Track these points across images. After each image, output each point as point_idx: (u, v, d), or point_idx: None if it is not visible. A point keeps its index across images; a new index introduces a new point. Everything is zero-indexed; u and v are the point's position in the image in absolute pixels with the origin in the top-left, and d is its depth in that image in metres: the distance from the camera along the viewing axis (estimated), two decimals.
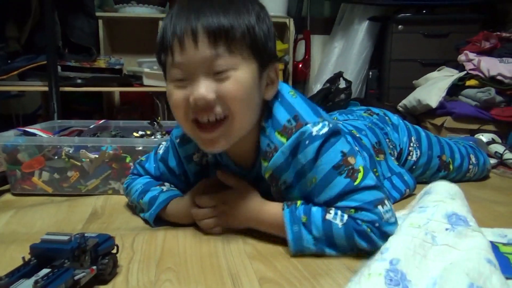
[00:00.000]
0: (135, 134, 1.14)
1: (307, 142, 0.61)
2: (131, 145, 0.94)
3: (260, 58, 0.61)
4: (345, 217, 0.59)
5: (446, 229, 0.52)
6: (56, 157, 0.93)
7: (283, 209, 0.63)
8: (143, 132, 1.14)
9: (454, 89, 1.68)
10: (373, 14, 2.26)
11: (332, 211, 0.60)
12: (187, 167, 0.76)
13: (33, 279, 0.45)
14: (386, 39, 2.19)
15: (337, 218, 0.59)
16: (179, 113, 0.61)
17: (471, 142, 1.17)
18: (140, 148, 0.94)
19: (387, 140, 0.95)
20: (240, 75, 0.58)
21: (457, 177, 1.06)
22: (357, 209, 0.59)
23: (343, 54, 2.35)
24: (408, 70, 2.08)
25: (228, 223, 0.69)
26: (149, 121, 1.20)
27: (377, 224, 0.58)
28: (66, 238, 0.50)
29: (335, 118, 1.01)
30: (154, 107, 2.10)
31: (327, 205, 0.62)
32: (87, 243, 0.51)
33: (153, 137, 1.11)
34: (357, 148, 0.80)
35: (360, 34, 2.29)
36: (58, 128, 1.15)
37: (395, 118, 1.04)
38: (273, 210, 0.65)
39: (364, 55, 2.30)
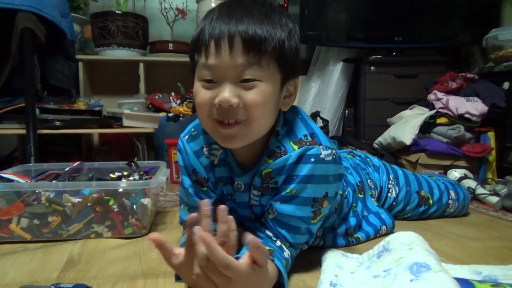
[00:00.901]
0: (112, 175, 1.13)
1: (312, 159, 0.66)
2: (114, 187, 0.94)
3: (285, 72, 0.65)
4: (288, 252, 0.68)
5: (411, 280, 0.54)
6: (35, 202, 0.91)
7: (272, 260, 0.62)
8: (120, 173, 1.14)
9: (426, 127, 1.76)
10: (347, 56, 2.37)
11: (280, 245, 0.68)
12: (196, 164, 0.76)
13: None
14: (360, 79, 2.28)
15: (287, 253, 0.68)
16: (203, 111, 0.65)
17: (451, 179, 1.21)
18: (122, 190, 0.94)
19: (368, 180, 1.00)
20: (264, 86, 0.62)
21: (438, 212, 1.09)
22: (291, 245, 0.69)
23: (319, 94, 2.43)
24: (382, 109, 2.16)
25: None
26: (126, 162, 1.19)
27: (295, 256, 0.71)
28: None
29: None
30: (134, 147, 2.09)
31: (280, 217, 0.68)
32: None
33: (130, 177, 1.10)
34: (344, 184, 0.87)
35: (335, 74, 2.38)
36: (34, 172, 1.13)
37: (375, 160, 1.10)
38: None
39: (340, 94, 2.38)
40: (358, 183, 0.95)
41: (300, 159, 0.67)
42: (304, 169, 0.66)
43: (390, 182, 1.04)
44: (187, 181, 0.78)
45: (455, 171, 1.47)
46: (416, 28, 2.28)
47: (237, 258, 0.62)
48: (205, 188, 0.77)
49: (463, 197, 1.13)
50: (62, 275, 0.73)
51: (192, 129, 0.78)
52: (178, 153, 0.81)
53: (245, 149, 0.71)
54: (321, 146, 0.67)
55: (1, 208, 0.90)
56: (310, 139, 0.68)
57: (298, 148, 0.67)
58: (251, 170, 0.72)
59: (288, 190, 0.67)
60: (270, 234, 0.70)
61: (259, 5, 0.64)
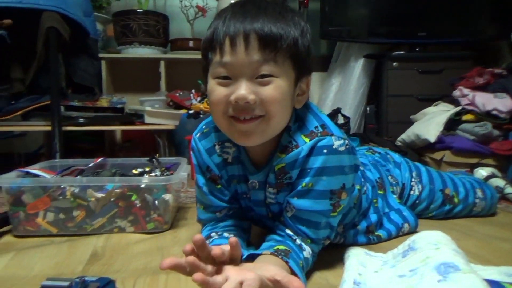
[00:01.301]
0: (134, 171, 1.15)
1: (324, 150, 0.65)
2: (137, 183, 0.95)
3: (298, 69, 0.65)
4: (309, 249, 0.68)
5: (439, 281, 0.53)
6: (61, 197, 0.93)
7: (286, 262, 0.61)
8: (142, 169, 1.15)
9: (451, 124, 1.71)
10: (368, 51, 2.33)
11: (300, 243, 0.67)
12: (209, 161, 0.76)
13: None
14: (382, 76, 2.24)
15: (307, 252, 0.67)
16: (218, 109, 0.64)
17: (477, 178, 1.17)
18: (144, 186, 0.95)
19: (389, 177, 0.97)
20: (280, 82, 0.62)
21: (464, 211, 1.06)
22: (313, 241, 0.68)
23: (340, 90, 2.40)
24: (405, 105, 2.12)
25: None
26: (148, 158, 1.21)
27: (319, 251, 0.71)
28: (66, 283, 0.50)
29: None
30: (155, 144, 2.11)
31: (299, 214, 0.67)
32: (87, 287, 0.50)
33: (152, 173, 1.12)
34: (362, 179, 0.85)
35: (356, 70, 2.35)
36: (59, 168, 1.16)
37: (396, 156, 1.07)
38: (274, 261, 0.62)
39: (361, 91, 2.35)
40: (378, 179, 0.92)
41: (312, 151, 0.66)
42: (317, 161, 0.65)
43: (412, 179, 1.02)
44: (201, 180, 0.77)
45: (482, 169, 1.43)
46: (440, 23, 2.21)
47: (256, 255, 0.63)
48: (219, 186, 0.77)
49: (491, 196, 1.09)
50: (87, 268, 0.74)
51: (204, 127, 0.78)
52: (191, 152, 0.80)
53: (259, 146, 0.70)
54: (333, 137, 0.66)
55: (29, 203, 0.93)
56: (321, 130, 0.67)
57: (310, 140, 0.66)
58: (265, 167, 0.72)
59: (303, 184, 0.66)
60: (290, 232, 0.69)
61: (272, 4, 0.65)
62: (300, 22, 0.66)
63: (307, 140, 0.67)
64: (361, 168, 0.90)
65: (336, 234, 0.80)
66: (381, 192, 0.91)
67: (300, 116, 0.70)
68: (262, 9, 0.62)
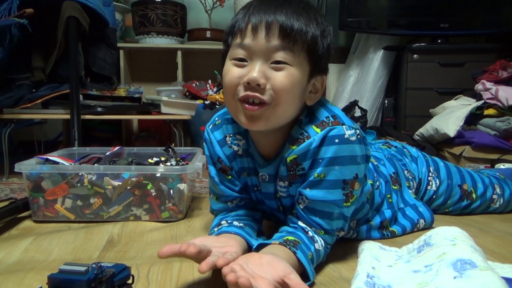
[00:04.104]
0: (150, 160, 1.16)
1: (336, 140, 0.65)
2: (152, 172, 0.96)
3: (313, 65, 0.66)
4: (322, 242, 0.68)
5: (455, 278, 0.52)
6: (79, 184, 0.95)
7: (294, 252, 0.62)
8: (158, 159, 1.16)
9: (472, 118, 1.67)
10: (388, 43, 2.28)
11: (312, 235, 0.67)
12: (220, 152, 0.77)
13: None
14: (401, 68, 2.20)
15: (319, 245, 0.67)
16: (230, 90, 0.66)
17: (497, 174, 1.14)
18: (159, 175, 0.96)
19: (405, 171, 0.96)
20: (293, 71, 0.63)
21: (482, 207, 1.04)
22: (326, 232, 0.68)
23: (358, 83, 2.37)
24: (425, 99, 2.08)
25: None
26: (163, 148, 1.22)
27: (333, 243, 0.71)
28: (83, 269, 0.50)
29: None
30: (171, 134, 2.13)
31: (311, 205, 0.67)
32: (103, 273, 0.51)
33: (168, 163, 1.13)
34: (375, 174, 0.84)
35: (375, 63, 2.31)
36: (77, 155, 1.18)
37: (413, 150, 1.05)
38: (282, 252, 0.62)
39: (379, 83, 2.31)
40: (392, 174, 0.91)
41: (324, 141, 0.66)
42: (329, 151, 0.65)
43: (430, 174, 1.00)
44: (212, 170, 0.79)
45: (503, 165, 1.39)
46: (463, 14, 2.15)
47: (266, 245, 0.64)
48: (230, 177, 0.77)
49: (509, 193, 1.07)
50: (103, 255, 0.75)
51: (216, 118, 0.79)
52: (204, 143, 0.81)
53: (267, 139, 0.71)
54: (344, 126, 0.66)
55: (48, 189, 0.95)
56: (333, 120, 0.67)
57: (321, 130, 0.66)
58: (274, 160, 0.72)
59: (316, 175, 0.66)
60: (303, 224, 0.69)
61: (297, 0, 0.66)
62: (323, 22, 0.67)
63: (318, 130, 0.67)
64: (375, 163, 0.89)
65: (349, 228, 0.80)
66: (395, 188, 0.90)
67: (311, 110, 0.71)
68: (287, 2, 0.64)
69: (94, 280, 0.50)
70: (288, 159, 0.69)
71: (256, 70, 0.62)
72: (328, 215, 0.68)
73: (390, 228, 0.86)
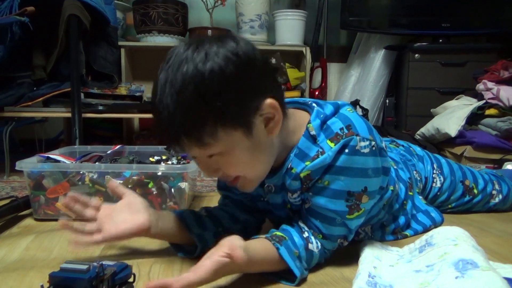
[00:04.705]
0: (151, 159, 1.16)
1: (346, 150, 0.63)
2: (153, 171, 0.96)
3: (240, 124, 0.59)
4: (319, 244, 0.67)
5: (456, 278, 0.52)
6: (80, 182, 0.95)
7: (277, 248, 0.62)
8: (159, 157, 1.16)
9: (473, 118, 1.67)
10: (389, 43, 2.28)
11: (307, 236, 0.66)
12: None
13: None
14: (402, 67, 2.19)
15: (314, 246, 0.66)
16: None
17: (494, 171, 1.15)
18: (160, 174, 0.96)
19: (414, 172, 0.95)
20: (229, 157, 0.61)
21: (482, 201, 1.05)
22: (324, 236, 0.67)
23: (359, 82, 2.37)
24: (426, 98, 2.07)
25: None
26: (165, 146, 1.21)
27: (332, 250, 0.69)
28: (84, 267, 0.50)
29: None
30: None
31: (314, 207, 0.66)
32: (105, 272, 0.51)
33: (169, 162, 1.13)
34: (396, 179, 0.82)
35: (376, 62, 2.31)
36: (79, 154, 1.18)
37: (418, 149, 1.05)
38: (256, 246, 0.62)
39: (380, 83, 2.31)
40: (408, 180, 0.90)
41: (336, 152, 0.63)
42: (338, 161, 0.63)
43: (434, 171, 1.00)
44: None
45: (510, 164, 1.39)
46: (465, 14, 2.15)
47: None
48: None
49: (507, 190, 1.08)
50: (104, 253, 0.76)
51: None
52: None
53: None
54: (358, 137, 0.63)
55: (49, 187, 0.95)
56: (347, 131, 0.64)
57: (335, 144, 0.63)
58: (279, 171, 0.69)
59: (319, 181, 0.65)
60: (302, 224, 0.68)
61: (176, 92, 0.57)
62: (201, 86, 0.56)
63: (332, 145, 0.63)
64: (394, 167, 0.87)
65: (365, 234, 0.79)
66: (411, 193, 0.89)
67: (326, 118, 0.66)
68: (169, 113, 0.57)
69: (96, 278, 0.50)
70: (302, 175, 0.65)
71: (203, 169, 0.64)
72: (329, 221, 0.66)
73: (403, 232, 0.86)
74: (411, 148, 1.03)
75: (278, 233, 0.65)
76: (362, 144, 0.63)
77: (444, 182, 1.00)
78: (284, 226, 0.69)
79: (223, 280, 0.60)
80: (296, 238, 0.65)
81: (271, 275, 0.64)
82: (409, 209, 0.87)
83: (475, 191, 1.03)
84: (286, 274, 0.63)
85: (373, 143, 0.64)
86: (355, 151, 0.63)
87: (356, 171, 0.63)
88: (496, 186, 1.06)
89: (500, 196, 1.06)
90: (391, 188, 0.78)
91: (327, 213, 0.66)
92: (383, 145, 0.70)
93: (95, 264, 0.52)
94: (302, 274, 0.63)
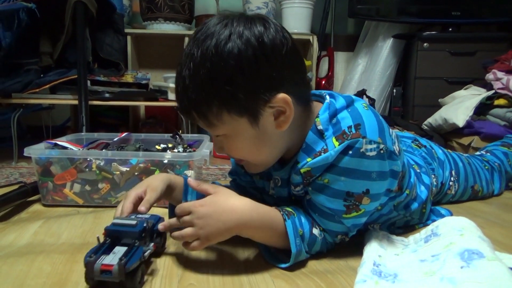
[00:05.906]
0: (157, 147, 1.16)
1: (350, 152, 0.61)
2: (160, 159, 0.96)
3: (246, 112, 0.59)
4: (322, 233, 0.67)
5: (462, 267, 0.52)
6: (87, 169, 0.96)
7: (284, 220, 0.62)
8: (165, 145, 1.16)
9: (482, 108, 1.65)
10: (398, 31, 2.25)
11: (313, 222, 0.67)
12: None
13: (115, 256, 0.54)
14: (411, 57, 2.17)
15: (317, 232, 0.66)
16: None
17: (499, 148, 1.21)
18: (167, 161, 0.96)
19: (432, 176, 0.93)
20: (232, 141, 0.63)
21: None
22: (323, 230, 0.67)
23: (367, 71, 2.34)
24: (434, 88, 2.05)
25: (208, 231, 0.59)
26: (171, 134, 1.22)
27: (334, 243, 0.69)
28: (133, 222, 0.60)
29: None
30: (178, 121, 2.13)
31: (312, 202, 0.66)
32: (148, 225, 0.62)
33: (175, 150, 1.13)
34: (416, 182, 0.80)
35: (384, 51, 2.28)
36: (86, 141, 1.19)
37: (440, 152, 1.01)
38: (265, 209, 0.62)
39: (388, 72, 2.28)
40: (429, 184, 0.87)
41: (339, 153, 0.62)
42: (341, 162, 0.61)
43: (452, 178, 0.99)
44: None
45: None
46: (475, 2, 2.11)
47: None
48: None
49: (498, 187, 1.12)
50: None
51: None
52: None
53: None
54: (364, 139, 0.61)
55: (56, 174, 0.96)
56: (354, 131, 0.61)
57: (339, 144, 0.61)
58: (288, 164, 0.69)
59: (320, 178, 0.64)
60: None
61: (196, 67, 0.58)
62: (219, 79, 0.57)
63: (336, 144, 0.61)
64: (417, 170, 0.86)
65: (373, 230, 0.78)
66: (431, 198, 0.88)
67: (336, 112, 0.65)
68: (184, 84, 0.59)
69: (144, 231, 0.60)
70: (302, 171, 0.64)
71: (213, 144, 0.68)
72: (327, 216, 0.65)
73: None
74: (433, 150, 1.00)
75: (289, 208, 0.65)
76: (368, 147, 0.61)
77: (458, 190, 1.01)
78: (294, 207, 0.68)
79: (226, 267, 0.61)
80: (303, 219, 0.65)
81: (270, 258, 0.65)
82: (427, 213, 0.84)
83: (480, 194, 1.07)
84: (284, 256, 0.63)
85: (381, 146, 0.62)
86: (360, 153, 0.61)
87: (358, 173, 0.62)
88: (495, 185, 1.11)
89: (491, 193, 1.11)
90: (407, 191, 0.75)
91: (325, 209, 0.65)
92: (396, 148, 0.67)
93: (139, 219, 0.61)
94: (299, 254, 0.62)
